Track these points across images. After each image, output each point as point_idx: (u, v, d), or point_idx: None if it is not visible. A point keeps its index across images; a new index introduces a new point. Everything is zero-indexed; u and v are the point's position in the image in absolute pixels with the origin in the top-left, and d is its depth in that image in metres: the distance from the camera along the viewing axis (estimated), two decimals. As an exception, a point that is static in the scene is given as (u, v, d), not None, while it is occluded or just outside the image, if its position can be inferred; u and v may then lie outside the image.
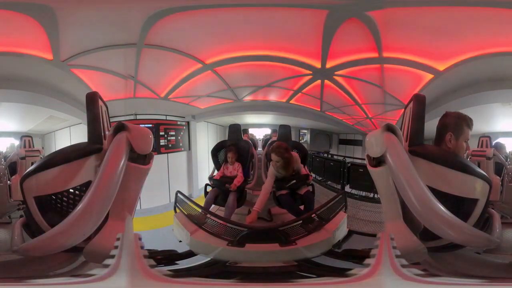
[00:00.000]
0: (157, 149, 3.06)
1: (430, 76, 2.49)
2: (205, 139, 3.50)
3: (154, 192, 3.09)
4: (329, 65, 2.18)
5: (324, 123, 3.35)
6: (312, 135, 3.86)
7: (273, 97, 2.73)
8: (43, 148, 3.39)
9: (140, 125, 2.77)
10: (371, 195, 3.28)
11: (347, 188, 3.49)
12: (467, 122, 1.84)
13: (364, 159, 3.38)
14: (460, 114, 1.87)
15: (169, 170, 3.28)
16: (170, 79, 2.66)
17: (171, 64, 2.53)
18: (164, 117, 3.13)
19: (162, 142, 3.13)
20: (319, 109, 2.88)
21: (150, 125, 3.03)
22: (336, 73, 2.27)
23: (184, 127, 3.24)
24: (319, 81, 2.40)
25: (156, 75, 2.69)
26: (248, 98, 2.81)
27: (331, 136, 3.92)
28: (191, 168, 3.41)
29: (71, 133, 3.24)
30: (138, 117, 3.05)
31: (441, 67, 2.45)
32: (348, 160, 3.59)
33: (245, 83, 2.67)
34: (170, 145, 3.20)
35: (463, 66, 2.50)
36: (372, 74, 2.41)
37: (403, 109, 1.79)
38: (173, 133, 3.18)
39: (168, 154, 3.23)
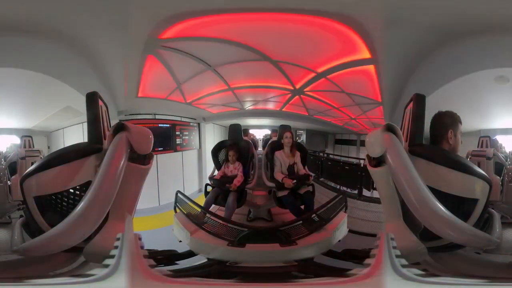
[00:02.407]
0: (174, 147, 3.39)
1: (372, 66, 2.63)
2: (211, 139, 3.78)
3: (171, 187, 3.25)
4: (298, 85, 2.89)
5: (317, 125, 3.75)
6: (308, 135, 4.04)
7: (270, 106, 3.34)
8: (49, 147, 3.18)
9: (159, 125, 3.21)
10: (338, 186, 3.63)
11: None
12: (459, 118, 1.96)
13: (331, 154, 3.76)
14: (452, 112, 1.97)
15: (184, 166, 3.58)
16: (202, 91, 3.21)
17: (211, 82, 3.02)
18: (179, 118, 3.44)
19: (178, 141, 3.45)
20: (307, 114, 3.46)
21: (168, 125, 3.33)
22: (304, 90, 2.93)
23: (196, 128, 3.60)
24: (297, 97, 3.07)
25: (195, 86, 3.10)
26: (250, 108, 3.42)
27: (326, 136, 4.10)
28: (201, 165, 3.70)
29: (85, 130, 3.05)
30: (157, 117, 3.31)
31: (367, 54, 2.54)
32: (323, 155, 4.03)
33: (249, 99, 3.33)
34: (184, 144, 3.54)
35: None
36: (332, 83, 2.92)
37: (380, 106, 1.89)
38: (186, 133, 3.52)
39: (183, 152, 3.56)
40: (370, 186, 3.28)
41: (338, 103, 3.22)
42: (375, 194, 3.20)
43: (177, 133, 3.41)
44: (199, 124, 3.59)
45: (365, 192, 3.36)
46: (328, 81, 2.80)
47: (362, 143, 3.74)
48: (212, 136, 3.72)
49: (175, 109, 3.32)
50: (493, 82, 2.67)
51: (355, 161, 3.74)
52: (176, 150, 3.46)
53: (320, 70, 2.68)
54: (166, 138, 3.33)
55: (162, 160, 3.34)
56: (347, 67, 2.64)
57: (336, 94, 3.03)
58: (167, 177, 3.24)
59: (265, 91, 3.13)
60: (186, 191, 3.02)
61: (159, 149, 3.29)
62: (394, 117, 2.88)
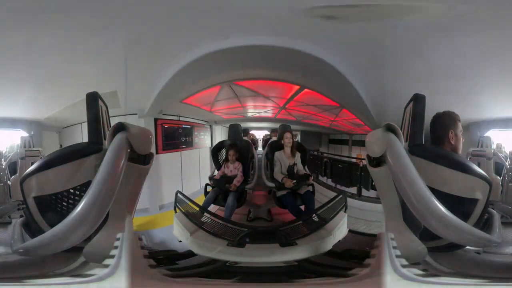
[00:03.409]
0: (193, 145, 4.14)
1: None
2: (219, 138, 4.34)
3: (190, 180, 3.93)
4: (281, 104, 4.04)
5: (310, 127, 4.30)
6: (302, 136, 4.29)
7: (267, 114, 4.22)
8: (61, 146, 2.97)
9: (183, 126, 3.97)
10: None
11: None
12: (458, 116, 1.99)
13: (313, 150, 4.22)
14: (450, 112, 2.00)
15: (200, 161, 4.22)
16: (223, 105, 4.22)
17: (232, 102, 3.98)
18: (196, 121, 4.16)
19: (196, 140, 4.19)
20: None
21: (189, 126, 4.08)
22: (286, 106, 4.01)
23: (208, 129, 4.39)
24: (283, 110, 4.08)
25: (221, 104, 4.08)
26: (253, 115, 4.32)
27: (320, 137, 4.38)
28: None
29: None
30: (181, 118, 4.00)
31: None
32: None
33: (252, 111, 4.20)
34: (200, 142, 4.27)
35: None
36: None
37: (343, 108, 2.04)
38: (202, 133, 4.27)
39: (199, 149, 4.26)
40: (322, 172, 4.11)
41: (313, 111, 4.10)
42: (329, 181, 3.98)
43: (195, 133, 4.15)
44: (211, 126, 4.35)
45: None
46: (295, 101, 3.96)
47: (354, 143, 4.07)
48: (220, 136, 4.33)
49: (195, 113, 4.06)
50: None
51: (316, 152, 4.33)
52: (194, 148, 4.22)
53: (287, 96, 3.92)
54: (188, 137, 4.07)
55: (187, 155, 4.00)
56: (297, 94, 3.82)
57: (306, 106, 3.99)
58: (189, 171, 3.93)
59: (263, 107, 4.17)
60: (203, 183, 3.38)
61: (183, 146, 3.99)
62: (364, 114, 3.42)
